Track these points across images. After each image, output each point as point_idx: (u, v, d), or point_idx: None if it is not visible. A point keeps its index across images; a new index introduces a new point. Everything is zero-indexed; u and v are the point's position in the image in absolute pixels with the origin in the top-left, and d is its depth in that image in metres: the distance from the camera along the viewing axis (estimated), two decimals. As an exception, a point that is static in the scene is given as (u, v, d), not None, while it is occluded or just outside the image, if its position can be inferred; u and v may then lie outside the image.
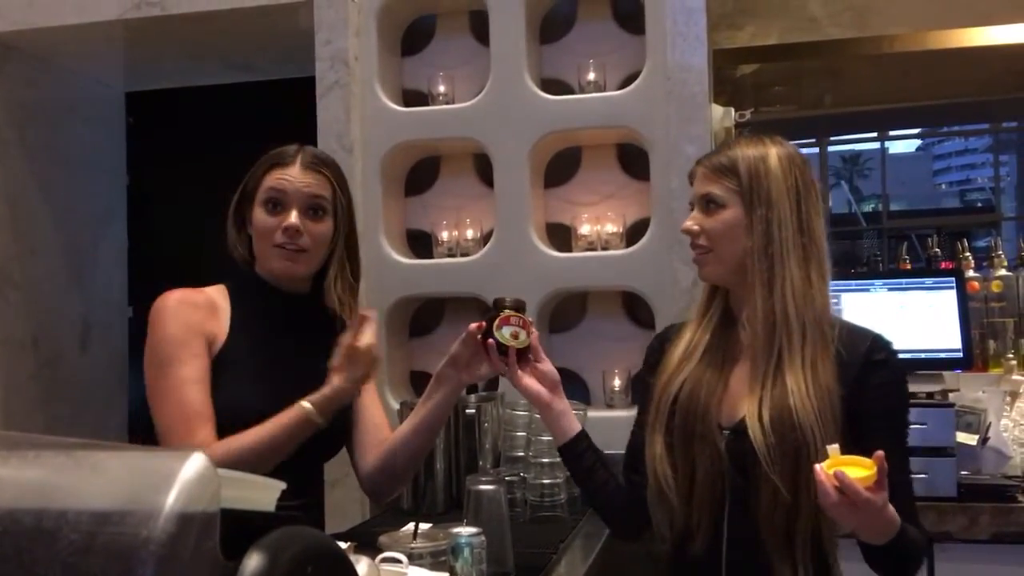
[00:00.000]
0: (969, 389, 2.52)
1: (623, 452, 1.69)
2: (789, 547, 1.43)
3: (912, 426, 2.24)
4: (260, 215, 1.70)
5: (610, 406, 2.59)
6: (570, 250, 2.69)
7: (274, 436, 1.55)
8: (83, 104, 3.62)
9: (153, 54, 3.40)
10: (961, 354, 2.40)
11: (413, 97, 2.91)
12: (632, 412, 1.74)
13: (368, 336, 1.60)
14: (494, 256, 2.66)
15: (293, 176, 1.69)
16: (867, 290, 2.48)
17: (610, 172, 2.80)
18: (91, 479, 0.62)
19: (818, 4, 3.14)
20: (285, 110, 3.01)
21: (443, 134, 2.76)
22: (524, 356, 1.63)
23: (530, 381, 1.61)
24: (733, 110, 2.84)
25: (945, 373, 2.42)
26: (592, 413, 2.31)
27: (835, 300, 2.47)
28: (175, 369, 1.59)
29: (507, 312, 1.62)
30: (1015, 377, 2.61)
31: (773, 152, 1.52)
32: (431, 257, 2.79)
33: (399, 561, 1.36)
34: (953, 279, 2.46)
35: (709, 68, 2.59)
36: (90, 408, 3.53)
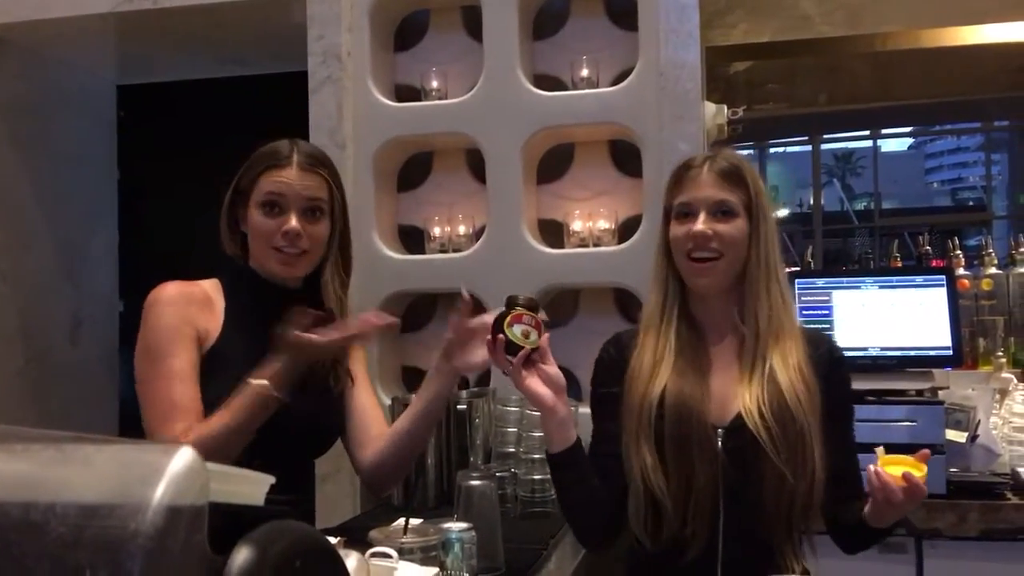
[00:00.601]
0: (959, 387, 2.53)
1: None
2: (788, 532, 1.53)
3: (901, 423, 2.28)
4: (258, 217, 1.69)
5: (601, 402, 2.59)
6: (562, 246, 2.69)
7: (236, 418, 1.53)
8: (74, 97, 3.60)
9: (145, 47, 3.39)
10: (951, 352, 2.41)
11: (406, 92, 2.90)
12: None
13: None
14: (486, 252, 2.66)
15: (291, 178, 1.68)
16: (858, 287, 2.48)
17: (603, 169, 2.80)
18: (79, 472, 0.62)
19: (811, 2, 3.14)
20: (277, 105, 3.00)
21: (435, 130, 2.76)
22: (530, 357, 1.58)
23: (534, 383, 1.56)
24: (726, 107, 2.84)
25: (935, 371, 2.42)
26: (584, 409, 2.31)
27: (826, 297, 2.48)
28: (165, 361, 1.60)
29: (519, 310, 1.57)
30: (1004, 375, 2.62)
31: (754, 169, 1.62)
32: (423, 253, 2.79)
33: (389, 556, 1.36)
34: (943, 277, 2.47)
35: (702, 65, 2.59)
36: (80, 402, 3.52)
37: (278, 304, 1.71)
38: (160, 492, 0.58)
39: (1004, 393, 2.56)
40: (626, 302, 2.71)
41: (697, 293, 1.61)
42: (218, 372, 1.64)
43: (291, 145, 1.73)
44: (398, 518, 1.65)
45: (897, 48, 3.40)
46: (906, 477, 1.39)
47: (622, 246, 2.60)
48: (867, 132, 8.36)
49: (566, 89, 2.74)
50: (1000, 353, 2.69)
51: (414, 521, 1.60)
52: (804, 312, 2.48)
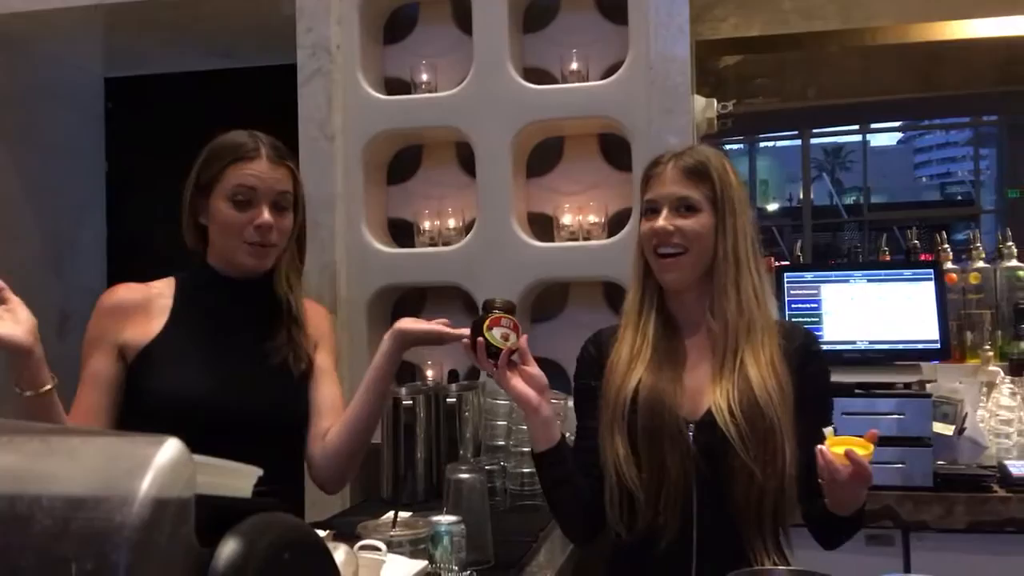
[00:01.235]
0: (946, 380, 2.54)
1: None
2: (759, 526, 1.53)
3: (889, 416, 2.29)
4: (226, 210, 1.68)
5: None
6: (552, 240, 2.70)
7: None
8: (62, 90, 3.58)
9: (133, 40, 3.37)
10: (938, 345, 2.42)
11: (395, 85, 2.90)
12: None
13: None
14: (476, 245, 2.66)
15: (262, 171, 1.68)
16: (846, 281, 2.49)
17: (592, 162, 2.80)
18: (65, 464, 0.62)
19: (800, -4, 3.15)
20: (266, 98, 2.99)
21: (425, 123, 2.75)
22: (510, 358, 1.61)
23: (518, 383, 1.59)
24: (716, 101, 2.84)
25: (922, 364, 2.43)
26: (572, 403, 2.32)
27: (815, 291, 2.49)
28: (84, 367, 1.72)
29: (497, 313, 1.60)
30: (991, 368, 2.63)
31: (727, 163, 1.63)
32: (413, 246, 2.79)
33: (378, 549, 1.36)
34: (931, 271, 2.47)
35: (692, 59, 2.60)
36: (68, 396, 3.50)
37: (232, 297, 1.74)
38: (146, 484, 0.58)
39: (991, 386, 2.58)
40: (615, 295, 2.71)
41: (669, 288, 1.63)
42: (157, 366, 1.67)
43: (254, 137, 1.72)
44: (387, 512, 1.66)
45: (886, 43, 3.41)
46: (848, 455, 1.38)
47: (611, 240, 2.61)
48: (856, 127, 8.38)
49: (556, 83, 2.73)
50: (987, 347, 2.70)
51: (403, 514, 1.61)
52: (793, 306, 2.48)
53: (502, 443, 2.31)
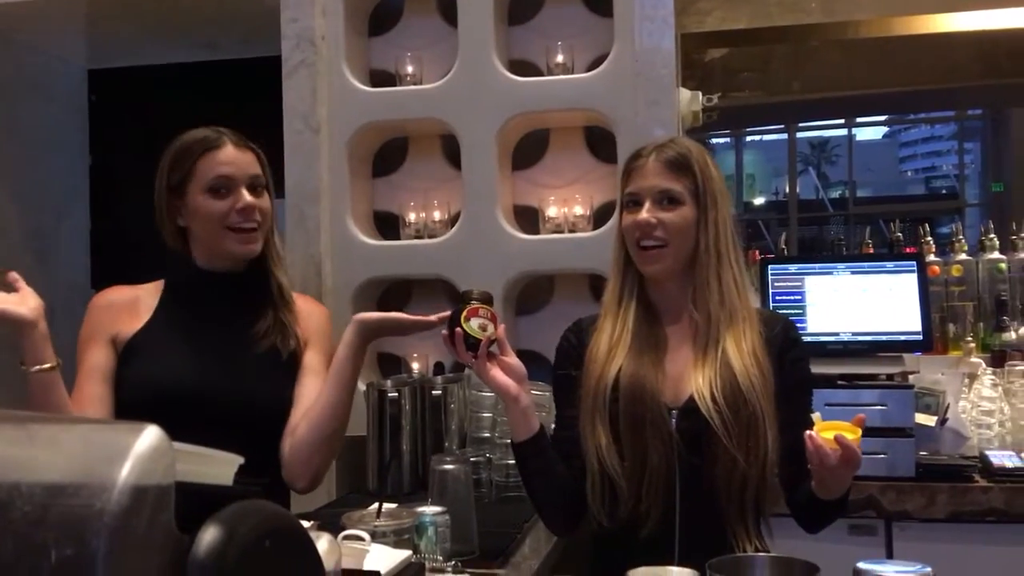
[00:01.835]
0: (928, 371, 2.56)
1: None
2: (741, 513, 1.55)
3: (872, 407, 2.30)
4: (206, 202, 1.69)
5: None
6: (537, 232, 2.70)
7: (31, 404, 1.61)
8: (44, 82, 3.56)
9: (116, 31, 3.35)
10: (921, 337, 2.43)
11: (380, 77, 2.89)
12: None
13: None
14: (461, 238, 2.65)
15: (232, 157, 1.70)
16: (830, 273, 2.50)
17: (578, 155, 2.80)
18: (45, 452, 0.62)
19: (785, -11, 3.16)
20: (250, 90, 2.98)
21: (410, 115, 2.75)
22: (489, 349, 1.60)
23: (498, 373, 1.59)
24: (701, 94, 2.85)
25: (905, 355, 2.45)
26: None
27: (799, 283, 2.50)
28: (83, 362, 1.74)
29: (475, 304, 1.60)
30: (973, 360, 2.65)
31: (707, 156, 1.64)
32: (398, 239, 2.78)
33: (362, 539, 1.36)
34: (914, 263, 2.49)
35: (677, 51, 2.60)
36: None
37: (218, 292, 1.76)
38: (126, 472, 0.58)
39: (973, 378, 2.59)
40: (601, 288, 2.70)
41: (650, 279, 1.65)
42: (140, 357, 1.71)
43: (215, 129, 1.74)
44: (373, 503, 1.66)
45: (871, 36, 3.42)
46: (838, 439, 1.40)
47: (597, 232, 2.61)
48: (842, 120, 8.42)
49: (541, 75, 2.73)
50: (969, 338, 2.72)
51: (388, 505, 1.61)
52: (777, 298, 2.49)
53: (487, 435, 2.31)
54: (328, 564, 1.07)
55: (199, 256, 1.76)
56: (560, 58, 2.70)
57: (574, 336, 1.72)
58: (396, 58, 2.83)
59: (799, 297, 2.49)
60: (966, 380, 2.60)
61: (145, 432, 0.61)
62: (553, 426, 1.75)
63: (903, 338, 2.44)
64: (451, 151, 2.81)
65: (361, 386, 2.55)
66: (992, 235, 2.85)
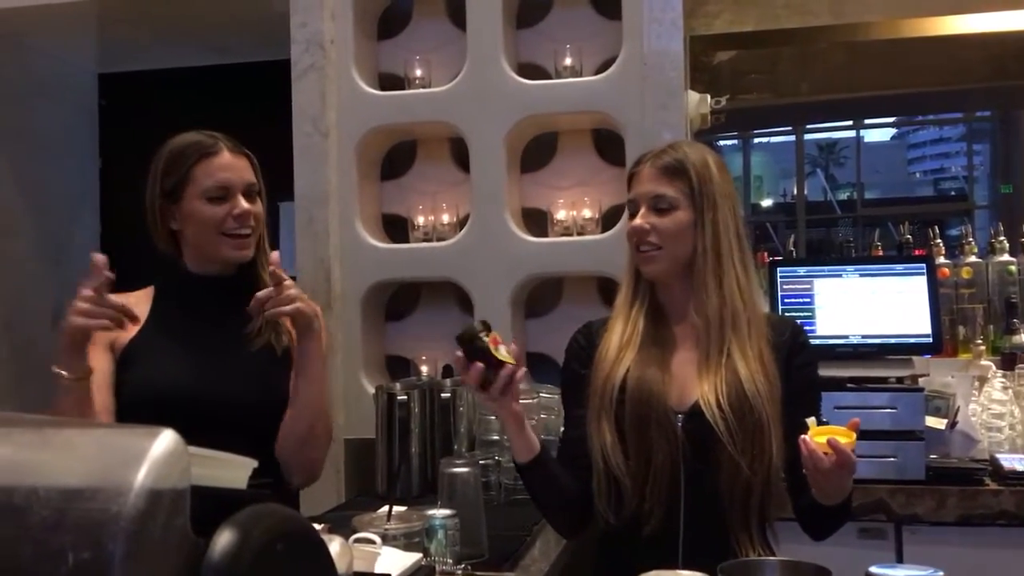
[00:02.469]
0: (938, 374, 2.55)
1: None
2: (745, 517, 1.55)
3: (882, 410, 2.30)
4: (203, 208, 1.70)
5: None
6: (546, 235, 2.70)
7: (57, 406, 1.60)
8: (55, 85, 3.58)
9: (126, 35, 3.37)
10: (931, 339, 2.42)
11: (389, 81, 2.90)
12: None
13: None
14: (470, 241, 2.66)
15: (230, 163, 1.71)
16: (839, 276, 2.49)
17: (586, 157, 2.80)
18: (61, 456, 0.62)
19: (793, -9, 3.15)
20: (260, 93, 2.98)
21: (419, 118, 2.75)
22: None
23: (516, 404, 1.57)
24: (709, 97, 2.85)
25: (915, 358, 2.44)
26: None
27: (807, 285, 2.50)
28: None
29: (494, 333, 1.56)
30: (983, 362, 2.64)
31: (711, 158, 1.64)
32: (407, 242, 2.79)
33: (373, 542, 1.37)
34: (924, 265, 2.48)
35: (685, 54, 2.60)
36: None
37: (209, 297, 1.77)
38: (142, 475, 0.59)
39: (983, 380, 2.58)
40: (609, 291, 2.72)
41: (651, 280, 1.66)
42: (136, 362, 1.72)
43: (207, 135, 1.74)
44: (382, 506, 1.66)
45: (879, 38, 3.42)
46: (830, 443, 1.40)
47: (605, 235, 2.61)
48: (850, 122, 8.38)
49: (550, 78, 2.74)
50: (979, 341, 2.71)
51: (398, 508, 1.61)
52: (785, 300, 2.49)
53: (496, 437, 2.31)
54: (340, 567, 1.07)
55: (190, 260, 1.78)
56: (568, 61, 2.70)
57: (584, 337, 1.74)
58: (405, 61, 2.84)
59: (808, 300, 2.48)
60: (976, 383, 2.59)
61: (161, 436, 0.61)
62: (563, 427, 1.76)
63: (913, 341, 2.43)
64: (460, 154, 2.82)
65: (370, 389, 2.56)
66: (1002, 237, 2.84)
